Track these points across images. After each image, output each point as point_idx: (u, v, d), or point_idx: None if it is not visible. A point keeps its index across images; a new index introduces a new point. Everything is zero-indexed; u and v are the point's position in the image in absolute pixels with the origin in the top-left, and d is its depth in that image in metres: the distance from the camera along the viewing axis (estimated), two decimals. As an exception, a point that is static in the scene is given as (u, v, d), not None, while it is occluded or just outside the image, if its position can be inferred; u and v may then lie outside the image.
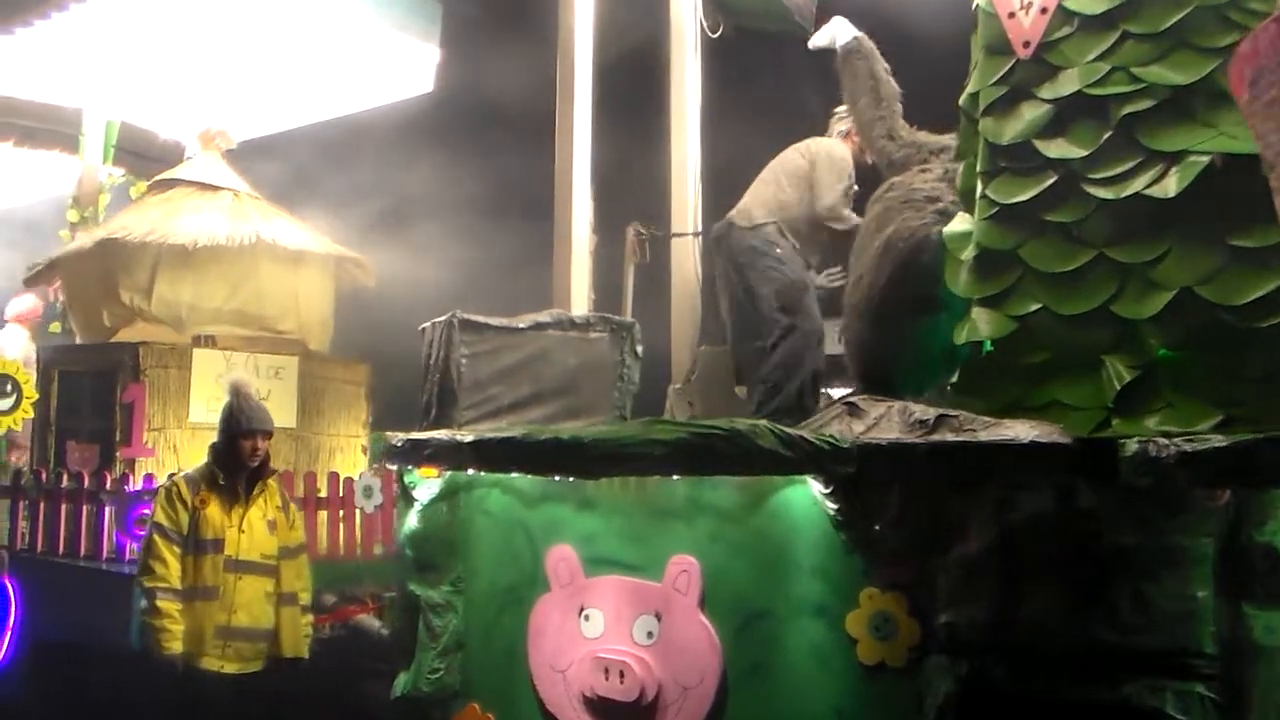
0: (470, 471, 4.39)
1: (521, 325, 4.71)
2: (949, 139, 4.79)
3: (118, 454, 6.62)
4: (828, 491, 3.62)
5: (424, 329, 4.87)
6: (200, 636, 4.59)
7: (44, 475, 6.48)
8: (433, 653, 4.46)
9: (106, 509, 6.23)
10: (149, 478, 6.17)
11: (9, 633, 6.39)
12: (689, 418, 5.60)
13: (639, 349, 4.96)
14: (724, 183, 6.21)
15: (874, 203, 4.82)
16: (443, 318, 4.62)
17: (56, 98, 8.66)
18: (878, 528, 3.57)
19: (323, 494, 6.52)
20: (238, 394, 4.82)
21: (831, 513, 3.62)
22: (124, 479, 6.23)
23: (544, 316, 4.79)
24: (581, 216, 5.52)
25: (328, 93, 8.39)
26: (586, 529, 4.14)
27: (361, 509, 6.63)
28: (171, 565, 4.54)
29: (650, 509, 4.01)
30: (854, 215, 5.39)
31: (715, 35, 6.34)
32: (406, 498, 4.58)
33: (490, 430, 4.50)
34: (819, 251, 5.63)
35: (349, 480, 6.63)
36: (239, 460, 4.73)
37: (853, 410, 4.05)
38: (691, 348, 5.89)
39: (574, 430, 3.96)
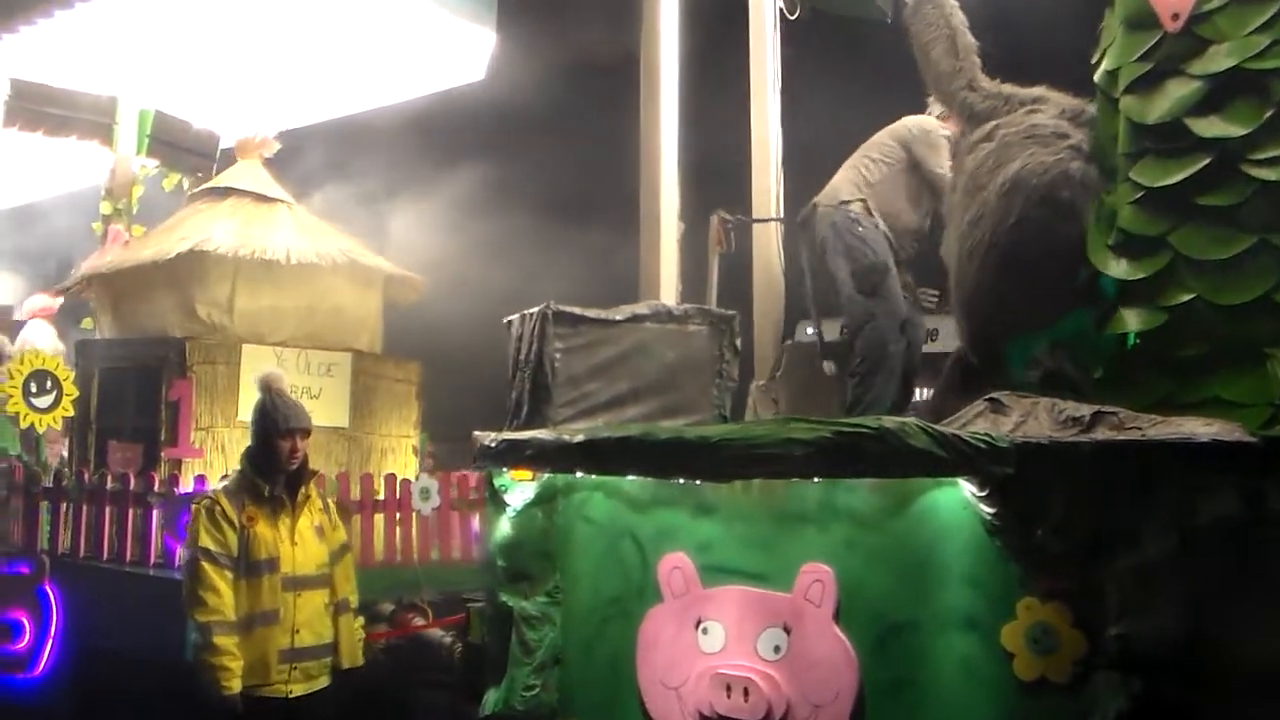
0: (570, 474, 4.16)
1: (617, 317, 4.47)
2: (1040, 90, 4.58)
3: (163, 454, 6.36)
4: (983, 494, 3.38)
5: (510, 322, 4.62)
6: (264, 665, 4.22)
7: (86, 476, 6.20)
8: (527, 668, 4.21)
9: (154, 512, 5.96)
10: (200, 479, 5.90)
11: (50, 641, 6.14)
12: (775, 415, 5.37)
13: (738, 343, 4.72)
14: (803, 171, 5.97)
15: (975, 146, 4.55)
16: (534, 309, 4.36)
17: (90, 85, 8.38)
18: (1038, 533, 3.33)
19: (379, 496, 6.25)
20: (270, 390, 4.45)
21: (987, 517, 3.38)
22: (173, 480, 5.96)
23: (641, 308, 4.55)
24: (669, 204, 5.28)
25: (375, 80, 8.10)
26: (704, 535, 3.90)
27: (418, 512, 6.38)
28: (224, 594, 4.14)
29: (777, 514, 3.78)
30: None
31: (793, 18, 6.10)
32: (497, 503, 4.33)
33: (587, 429, 4.25)
34: (913, 239, 5.35)
35: (405, 482, 6.37)
36: (278, 464, 4.34)
37: (996, 407, 3.81)
38: (775, 342, 5.64)
39: (700, 429, 3.71)
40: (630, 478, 4.01)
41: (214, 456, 6.38)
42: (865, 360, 4.95)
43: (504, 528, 4.30)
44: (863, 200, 5.20)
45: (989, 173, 4.33)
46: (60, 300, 9.66)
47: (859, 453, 3.35)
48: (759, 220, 5.70)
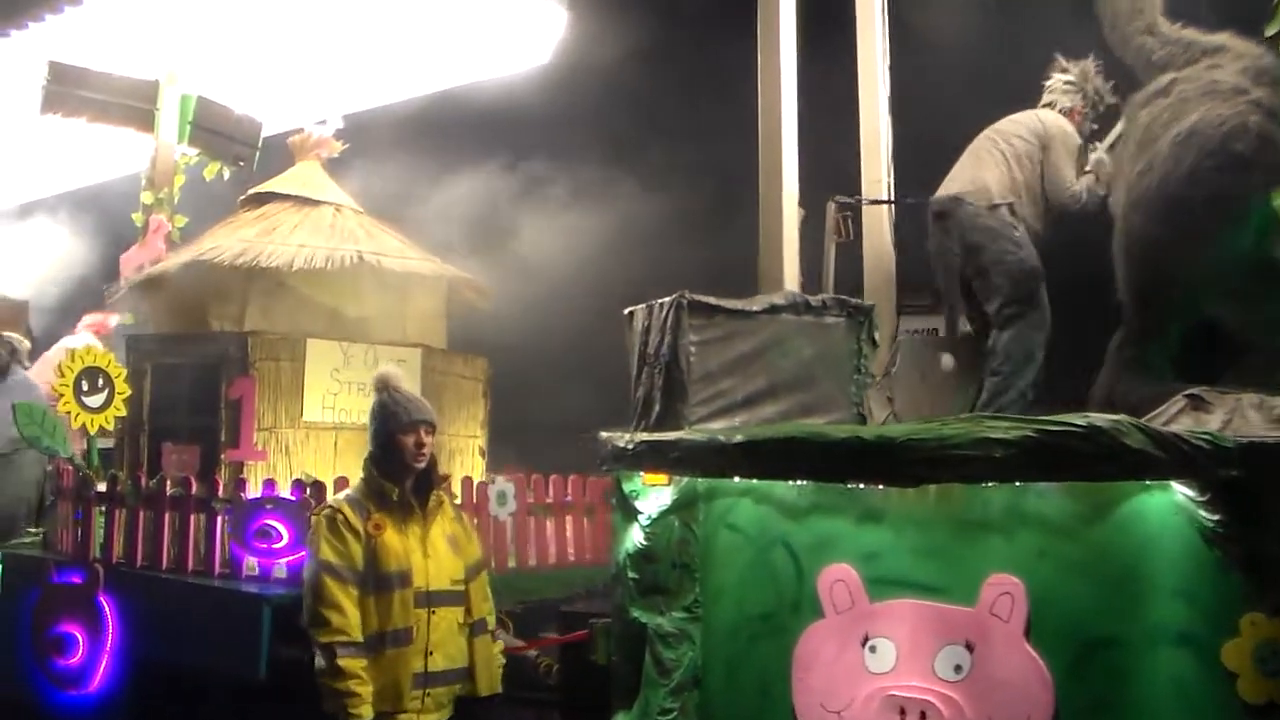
0: (714, 478, 3.90)
1: (754, 308, 4.21)
2: (1223, 38, 4.44)
3: (223, 456, 6.06)
4: (1202, 499, 3.13)
5: (633, 313, 4.35)
6: (396, 691, 3.87)
7: (143, 480, 5.90)
8: (663, 690, 3.96)
9: (218, 518, 5.66)
10: (269, 483, 5.60)
11: (106, 656, 5.84)
12: (889, 415, 5.12)
13: (876, 336, 4.46)
14: (912, 154, 5.74)
15: (1151, 100, 4.42)
16: (666, 299, 4.09)
17: (130, 69, 8.08)
18: (1266, 541, 3.08)
19: (456, 501, 5.96)
20: (387, 387, 4.15)
21: (1206, 524, 3.13)
22: (239, 485, 5.66)
23: (777, 298, 4.30)
24: (790, 189, 5.02)
25: (438, 64, 7.80)
26: (870, 545, 3.65)
27: (495, 517, 6.11)
28: (350, 612, 3.82)
29: (956, 521, 3.53)
30: (1084, 194, 5.05)
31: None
32: (627, 510, 4.07)
33: (725, 429, 3.98)
34: (1038, 242, 5.18)
35: (483, 485, 6.10)
36: (404, 463, 4.02)
37: (1197, 403, 3.59)
38: (890, 337, 5.39)
39: (879, 429, 3.45)
40: (782, 482, 3.76)
41: (277, 459, 6.09)
42: (1010, 361, 4.78)
43: (636, 537, 4.05)
44: (1010, 203, 5.02)
45: (1163, 125, 4.25)
46: (116, 320, 9.36)
47: (1066, 453, 3.12)
48: (875, 201, 5.44)
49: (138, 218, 8.17)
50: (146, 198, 8.14)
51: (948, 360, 5.21)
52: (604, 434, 4.08)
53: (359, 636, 3.83)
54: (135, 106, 8.06)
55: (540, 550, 6.42)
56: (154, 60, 8.10)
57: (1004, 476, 3.25)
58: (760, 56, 5.17)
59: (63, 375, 6.08)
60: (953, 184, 5.22)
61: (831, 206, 5.35)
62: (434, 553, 4.01)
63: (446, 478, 4.19)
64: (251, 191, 7.13)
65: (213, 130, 8.38)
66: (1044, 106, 5.31)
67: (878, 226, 5.55)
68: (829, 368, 4.37)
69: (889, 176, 5.64)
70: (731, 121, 5.99)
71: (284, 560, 5.49)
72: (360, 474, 4.11)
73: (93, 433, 6.20)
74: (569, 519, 6.63)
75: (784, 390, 4.26)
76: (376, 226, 6.93)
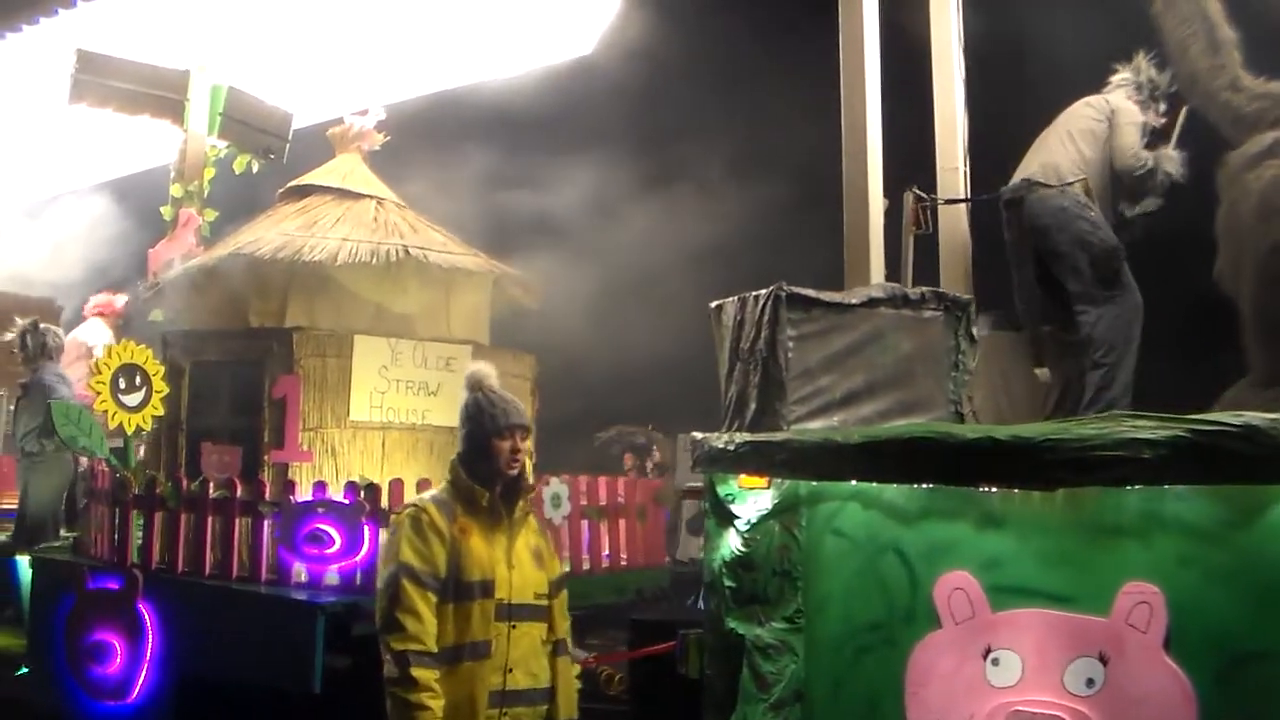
0: (820, 481, 3.71)
1: (853, 301, 4.02)
2: None
3: (267, 458, 5.88)
4: (1366, 504, 2.96)
5: (721, 306, 4.17)
6: (470, 707, 3.65)
7: (184, 483, 5.71)
8: (762, 705, 3.77)
9: (265, 522, 5.47)
10: (320, 486, 5.41)
11: (146, 666, 5.65)
12: (970, 413, 4.95)
13: (974, 331, 4.27)
14: (988, 146, 5.57)
15: (1258, 162, 4.28)
16: (760, 291, 3.91)
17: (160, 58, 7.88)
18: None
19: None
20: (480, 386, 3.94)
21: (1375, 530, 2.95)
22: (288, 487, 5.46)
23: (875, 290, 4.12)
24: (876, 180, 4.86)
25: (478, 55, 7.60)
26: (991, 551, 3.46)
27: (550, 520, 5.94)
28: (427, 620, 3.59)
29: (1087, 525, 3.34)
30: (1150, 160, 4.91)
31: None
32: (721, 515, 3.89)
33: (839, 430, 3.80)
34: (1114, 222, 5.03)
35: (537, 487, 5.91)
36: (497, 469, 3.80)
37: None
38: (967, 333, 5.20)
39: (1012, 429, 3.27)
40: (895, 485, 3.58)
41: (323, 460, 5.91)
42: (1110, 349, 4.59)
43: (733, 543, 3.86)
44: (1084, 180, 4.85)
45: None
46: (124, 299, 9.17)
47: (1221, 454, 2.94)
48: (951, 201, 5.27)
49: (166, 211, 7.97)
50: (176, 191, 7.94)
51: (1044, 373, 5.06)
52: (698, 434, 3.89)
53: (434, 646, 3.62)
54: (165, 96, 7.87)
55: (594, 554, 6.26)
56: (183, 50, 7.90)
57: (1153, 479, 3.06)
58: (843, 43, 5.00)
59: (99, 372, 5.89)
60: (1024, 172, 5.07)
61: (909, 197, 5.17)
62: (519, 564, 3.81)
63: (534, 487, 3.98)
64: (291, 184, 6.95)
65: (243, 122, 8.19)
66: None
67: (954, 218, 5.38)
68: (927, 364, 4.18)
69: (965, 165, 5.47)
70: (791, 112, 5.84)
71: (336, 566, 5.32)
72: (446, 475, 3.91)
73: (130, 433, 6.01)
74: (621, 521, 6.46)
75: (882, 388, 4.08)
76: (420, 221, 6.76)
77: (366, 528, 5.24)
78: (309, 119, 8.59)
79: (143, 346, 6.04)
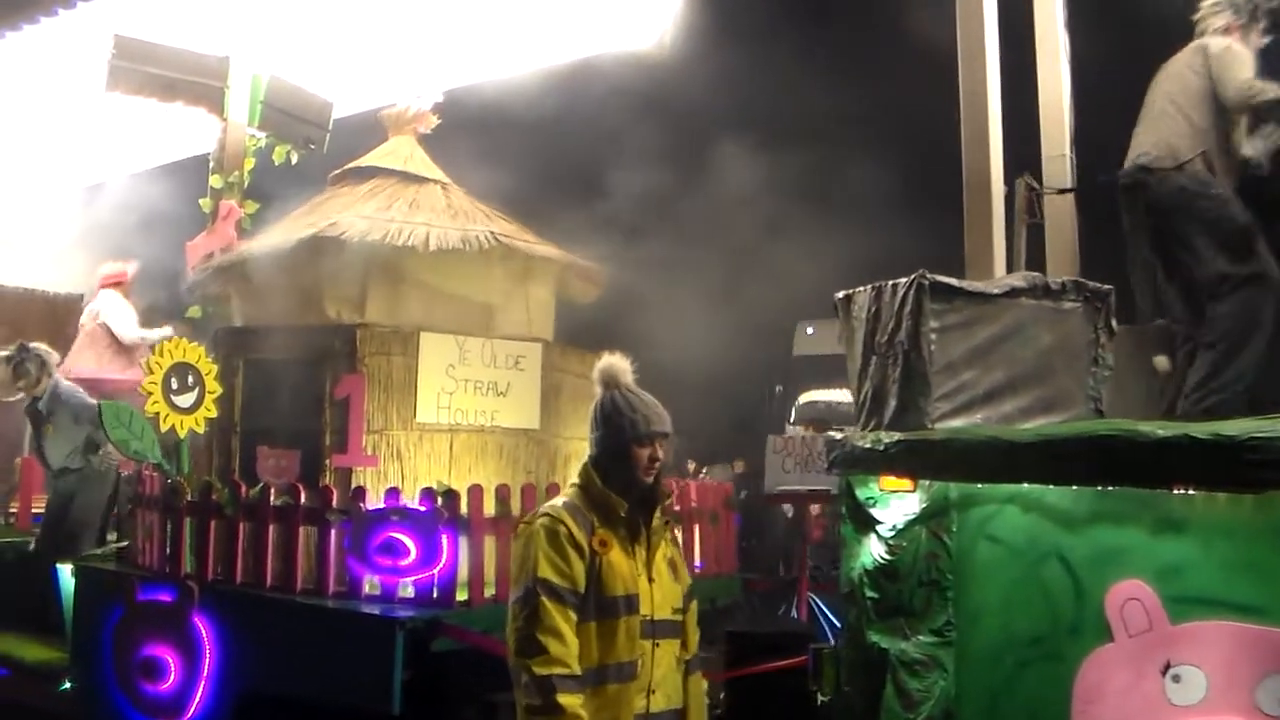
0: (973, 483, 3.50)
1: (994, 290, 3.80)
2: None
3: (328, 462, 5.62)
4: None
5: (850, 297, 3.95)
6: None
7: (242, 489, 5.46)
8: (909, 725, 3.52)
9: (332, 531, 5.23)
10: (393, 492, 5.16)
11: (202, 683, 5.39)
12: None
13: (1114, 324, 4.05)
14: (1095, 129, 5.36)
15: None
16: (901, 280, 3.69)
17: (199, 45, 7.64)
18: None
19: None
20: (618, 384, 3.60)
21: None
22: (357, 494, 5.22)
23: (1016, 280, 3.88)
24: (997, 167, 4.64)
25: (540, 39, 7.35)
26: (1169, 558, 3.23)
27: (624, 528, 5.69)
28: (570, 641, 3.30)
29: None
30: (1266, 89, 4.51)
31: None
32: (861, 520, 3.66)
33: (1032, 429, 3.56)
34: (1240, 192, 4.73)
35: (608, 494, 5.68)
36: (635, 478, 3.50)
37: None
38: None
39: (1205, 426, 3.05)
40: (1058, 486, 3.37)
41: (388, 465, 5.65)
42: (1234, 329, 4.29)
43: (875, 551, 3.63)
44: (1202, 153, 4.58)
45: None
46: (133, 267, 8.89)
47: None
48: (1066, 190, 5.05)
49: (205, 203, 7.71)
50: (215, 181, 7.68)
51: (1162, 361, 4.83)
52: (838, 434, 3.67)
53: (579, 669, 3.36)
54: (204, 84, 7.60)
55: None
56: (219, 36, 7.65)
57: (1376, 481, 2.86)
58: (961, 28, 4.79)
59: (152, 371, 5.64)
60: (1136, 151, 4.81)
61: (1021, 185, 4.96)
62: (658, 577, 3.53)
63: (670, 494, 3.73)
64: (349, 166, 6.69)
65: (284, 110, 7.94)
66: (1198, 37, 4.88)
67: (1061, 206, 5.16)
68: (1067, 358, 3.95)
69: (1071, 152, 5.26)
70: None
71: (411, 579, 5.08)
72: (575, 481, 3.62)
73: (182, 436, 5.76)
74: (696, 527, 6.24)
75: (1023, 383, 3.84)
76: (489, 208, 6.52)
77: (444, 537, 4.98)
78: (344, 109, 8.37)
79: (195, 344, 5.79)
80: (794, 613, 5.99)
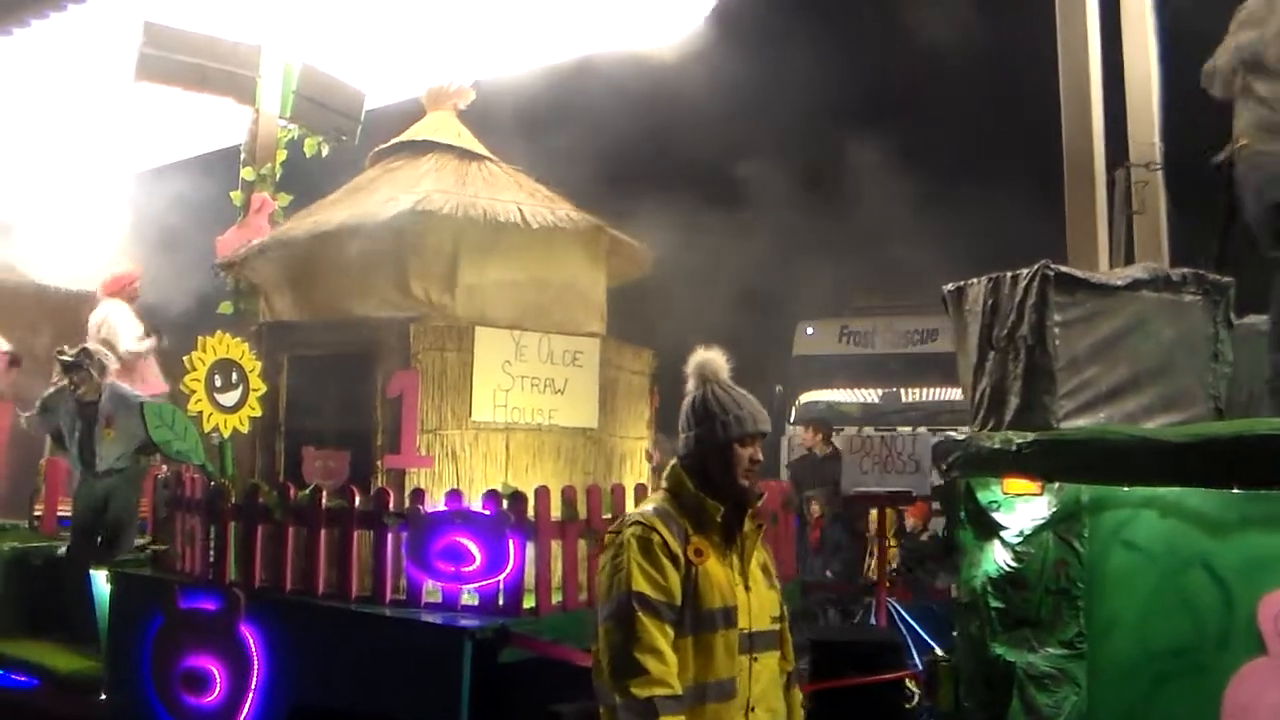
0: (1108, 486, 3.31)
1: (1117, 283, 3.61)
2: None
3: (380, 463, 5.40)
4: None
5: (962, 289, 3.76)
6: None
7: (292, 491, 5.24)
8: (1037, 741, 3.34)
9: (389, 535, 5.01)
10: (454, 495, 4.95)
11: (251, 695, 5.18)
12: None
13: (1233, 318, 3.87)
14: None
15: None
16: (1022, 271, 3.50)
17: (231, 33, 7.42)
18: None
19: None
20: (714, 380, 3.37)
21: None
22: (418, 497, 5.00)
23: (1138, 271, 3.71)
24: (1099, 156, 4.45)
25: (582, 27, 7.16)
26: (1332, 568, 3.06)
27: (687, 530, 5.50)
28: (669, 658, 3.08)
29: None
30: None
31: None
32: (984, 525, 3.47)
33: (1156, 428, 3.38)
34: None
35: (674, 495, 5.48)
36: (733, 479, 3.28)
37: None
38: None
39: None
40: (1203, 491, 3.18)
41: (443, 465, 5.44)
42: None
43: (999, 558, 3.45)
44: None
45: None
46: (139, 274, 8.69)
47: None
48: (1163, 175, 4.86)
49: (236, 196, 7.49)
50: (247, 174, 7.46)
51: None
52: (955, 433, 3.48)
53: (679, 688, 3.15)
54: (235, 73, 7.38)
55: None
56: (250, 24, 7.42)
57: None
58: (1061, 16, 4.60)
59: (194, 368, 5.41)
60: (1237, 130, 4.60)
61: (1124, 174, 4.77)
62: (755, 585, 3.31)
63: (763, 496, 3.52)
64: (397, 141, 6.47)
65: (316, 101, 7.72)
66: None
67: (1150, 195, 4.98)
68: (1187, 354, 3.77)
69: (1159, 139, 5.07)
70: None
71: (474, 585, 4.87)
72: (664, 485, 3.40)
73: (226, 436, 5.53)
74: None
75: (1146, 380, 3.67)
76: (544, 187, 6.32)
77: (511, 542, 4.78)
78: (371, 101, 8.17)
79: (238, 340, 5.57)
80: (872, 619, 5.81)
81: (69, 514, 7.78)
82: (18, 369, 8.67)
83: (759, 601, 3.31)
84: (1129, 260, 4.70)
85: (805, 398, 15.71)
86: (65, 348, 6.68)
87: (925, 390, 16.15)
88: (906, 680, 4.40)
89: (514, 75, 7.28)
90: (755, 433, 3.30)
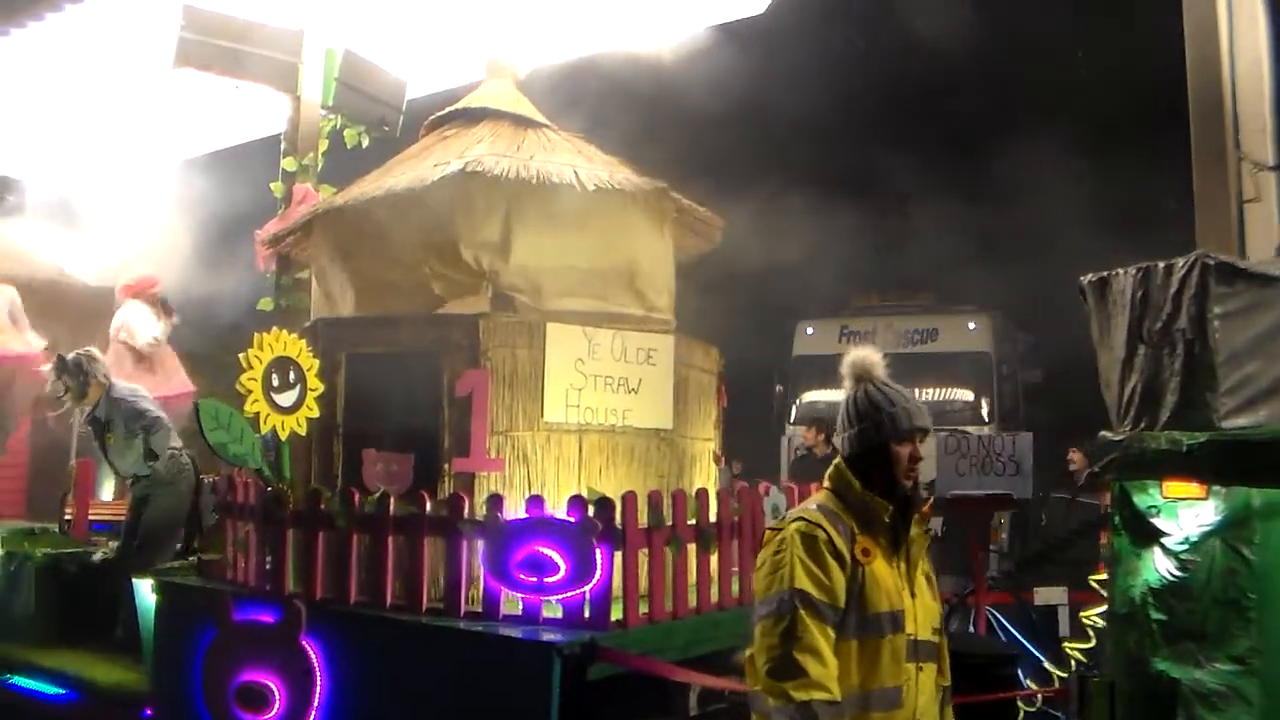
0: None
1: (1277, 272, 3.41)
2: None
3: (447, 466, 5.17)
4: None
5: (1106, 279, 3.55)
6: None
7: (356, 497, 5.01)
8: (1204, 764, 3.13)
9: (464, 544, 4.78)
10: (536, 501, 4.71)
11: (313, 713, 4.94)
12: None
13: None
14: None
15: None
16: (1177, 260, 3.29)
17: (273, 17, 7.20)
18: None
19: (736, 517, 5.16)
20: (871, 376, 3.25)
21: None
22: (496, 503, 4.77)
23: (1297, 258, 3.49)
24: (1230, 140, 4.24)
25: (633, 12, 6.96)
26: None
27: (770, 535, 5.30)
28: (830, 662, 2.95)
29: None
30: None
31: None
32: (1140, 531, 3.26)
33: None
34: None
35: (758, 496, 5.29)
36: (895, 479, 3.15)
37: None
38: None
39: None
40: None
41: (514, 469, 5.21)
42: None
43: (1161, 566, 3.25)
44: None
45: None
46: (159, 278, 8.49)
47: None
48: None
49: (277, 188, 7.25)
50: (289, 164, 7.22)
51: None
52: (1109, 434, 3.28)
53: (839, 694, 2.97)
54: (276, 59, 7.14)
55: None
56: (290, 9, 7.19)
57: None
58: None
59: (251, 366, 5.18)
60: None
61: (1239, 162, 4.57)
62: (920, 593, 3.16)
63: (929, 498, 3.35)
64: (453, 108, 6.25)
65: (358, 89, 7.49)
66: None
67: (1266, 183, 4.78)
68: (1345, 349, 3.59)
69: (1273, 124, 4.87)
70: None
71: (558, 597, 4.64)
72: (826, 485, 3.22)
73: (284, 438, 5.30)
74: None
75: (1303, 377, 3.48)
76: (603, 154, 6.10)
77: (598, 551, 4.56)
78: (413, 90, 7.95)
79: (295, 337, 5.33)
80: (971, 627, 5.60)
81: (100, 518, 7.59)
82: (53, 367, 8.46)
83: (923, 610, 3.18)
84: (1241, 251, 4.52)
85: (805, 398, 15.68)
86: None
87: (924, 390, 16.23)
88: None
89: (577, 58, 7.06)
90: (913, 429, 3.17)
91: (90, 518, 7.42)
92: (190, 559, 6.17)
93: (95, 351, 6.82)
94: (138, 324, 8.31)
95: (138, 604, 5.92)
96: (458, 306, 5.65)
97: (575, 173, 5.46)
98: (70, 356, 6.63)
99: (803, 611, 2.93)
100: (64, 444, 8.09)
